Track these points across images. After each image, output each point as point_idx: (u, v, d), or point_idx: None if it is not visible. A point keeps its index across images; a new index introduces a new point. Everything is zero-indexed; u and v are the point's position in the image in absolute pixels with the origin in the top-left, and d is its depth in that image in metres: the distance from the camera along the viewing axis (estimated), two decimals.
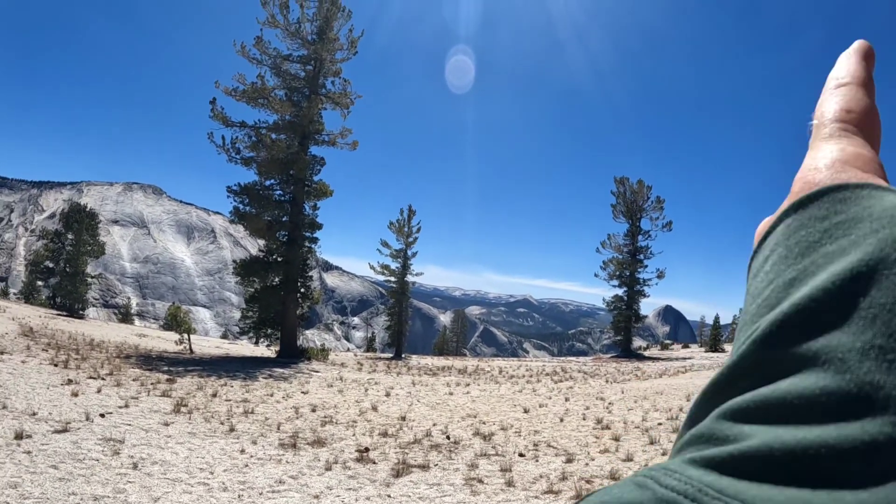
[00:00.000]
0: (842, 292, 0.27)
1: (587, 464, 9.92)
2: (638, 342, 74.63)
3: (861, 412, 0.23)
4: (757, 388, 0.29)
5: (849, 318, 0.25)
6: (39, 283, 55.58)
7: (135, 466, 8.16)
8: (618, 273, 53.99)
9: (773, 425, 0.26)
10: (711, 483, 0.26)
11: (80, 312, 44.30)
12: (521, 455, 10.52)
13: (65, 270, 44.50)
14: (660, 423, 13.35)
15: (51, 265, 46.62)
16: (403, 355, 46.93)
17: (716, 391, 0.33)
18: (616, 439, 11.73)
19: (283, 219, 29.25)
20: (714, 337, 54.23)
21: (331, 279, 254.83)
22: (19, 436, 8.67)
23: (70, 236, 45.35)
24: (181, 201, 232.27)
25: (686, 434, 0.32)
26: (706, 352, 50.61)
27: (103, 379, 15.08)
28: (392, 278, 50.01)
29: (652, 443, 11.28)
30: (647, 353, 55.11)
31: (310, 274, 31.24)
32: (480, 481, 8.77)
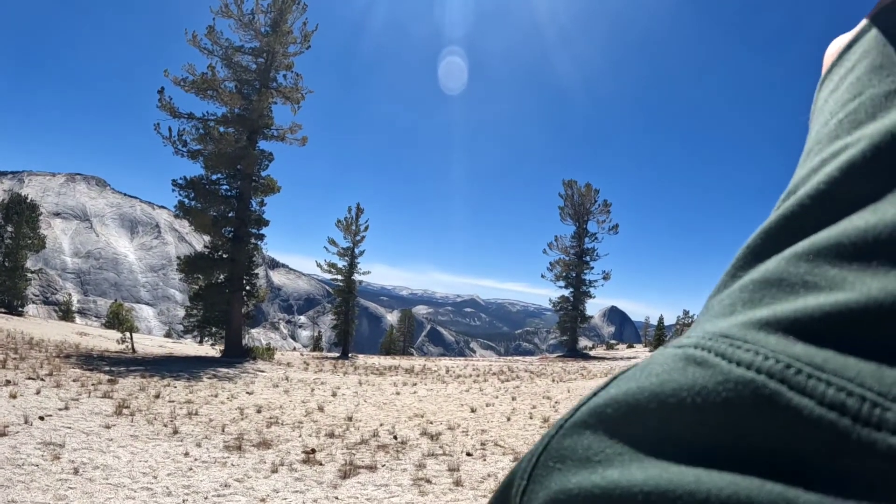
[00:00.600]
0: None
1: None
2: (584, 342, 75.77)
3: None
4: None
5: None
6: None
7: (76, 471, 7.90)
8: (564, 274, 54.79)
9: (885, 269, 0.19)
10: (808, 357, 0.19)
11: (19, 309, 42.63)
12: (468, 454, 10.57)
13: (3, 265, 42.75)
14: None
15: None
16: (350, 355, 46.64)
17: (786, 227, 0.25)
18: None
19: (230, 214, 28.73)
20: (658, 337, 55.66)
21: (277, 277, 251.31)
22: None
23: (9, 229, 43.60)
24: (125, 194, 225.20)
25: (739, 278, 0.24)
26: (651, 351, 51.06)
27: (43, 380, 14.58)
28: (339, 277, 49.65)
29: None
30: (593, 353, 56.07)
31: (256, 271, 30.75)
32: (428, 481, 8.78)
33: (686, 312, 68.59)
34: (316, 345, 79.32)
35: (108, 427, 10.67)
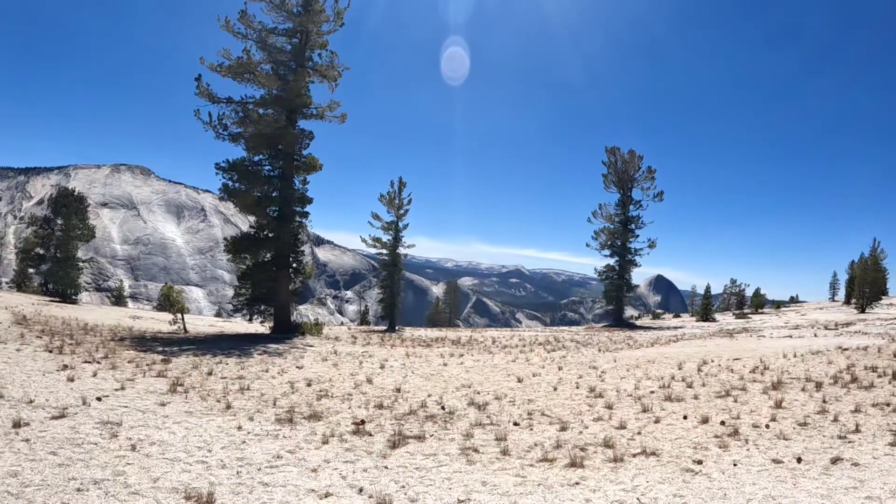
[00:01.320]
0: None
1: (581, 432, 10.02)
2: (630, 311, 75.05)
3: None
4: None
5: None
6: (31, 270, 55.12)
7: (133, 448, 8.17)
8: (609, 243, 54.20)
9: None
10: None
11: (73, 297, 44.07)
12: (515, 424, 10.61)
13: (55, 256, 44.11)
14: (652, 392, 13.47)
15: (41, 252, 46.20)
16: (397, 327, 47.11)
17: None
18: (609, 407, 11.84)
19: (273, 194, 29.05)
20: (705, 307, 54.65)
21: (323, 253, 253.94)
22: (17, 424, 8.64)
23: (59, 222, 44.87)
24: (170, 181, 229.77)
25: None
26: (697, 321, 51.03)
27: (98, 363, 15.03)
28: (384, 251, 49.96)
29: (644, 410, 11.38)
30: (638, 323, 55.62)
31: (301, 249, 31.10)
32: (476, 451, 8.85)
33: (733, 281, 67.21)
34: (363, 319, 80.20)
35: (163, 405, 11.00)
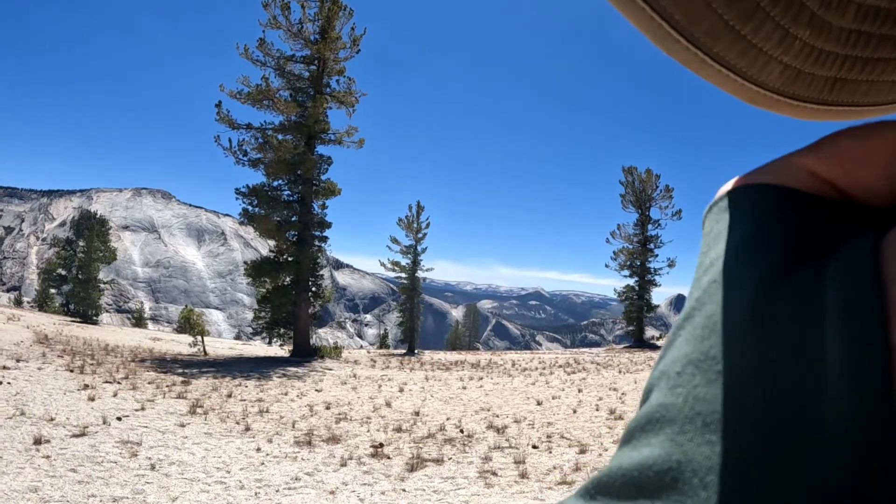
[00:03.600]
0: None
1: (600, 454, 9.98)
2: (651, 332, 74.36)
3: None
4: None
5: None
6: (52, 290, 56.23)
7: (152, 467, 8.29)
8: (628, 263, 53.89)
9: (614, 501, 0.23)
10: None
11: (94, 318, 44.69)
12: (534, 447, 10.58)
13: (77, 277, 44.89)
14: None
15: (63, 273, 47.13)
16: (416, 351, 47.06)
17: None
18: None
19: (293, 219, 29.39)
20: None
21: (342, 277, 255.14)
22: (38, 441, 8.81)
23: (81, 243, 45.78)
24: (190, 205, 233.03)
25: None
26: None
27: (119, 383, 15.25)
28: (403, 274, 50.15)
29: None
30: (659, 343, 54.93)
31: (321, 273, 31.36)
32: (494, 474, 8.84)
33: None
34: (382, 342, 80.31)
35: (182, 426, 11.13)
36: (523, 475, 8.69)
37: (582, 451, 10.14)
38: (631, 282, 54.17)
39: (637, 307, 53.14)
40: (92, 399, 12.60)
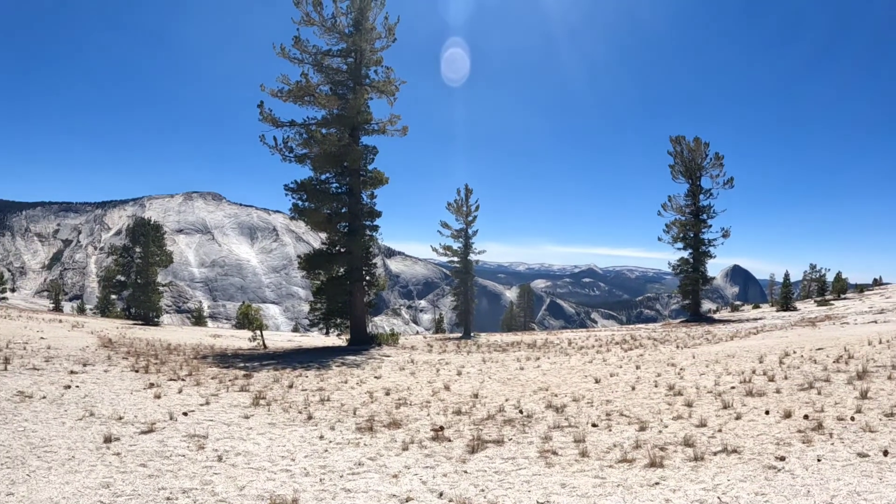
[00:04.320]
0: None
1: (660, 431, 9.94)
2: (707, 305, 73.03)
3: None
4: None
5: None
6: (113, 296, 58.28)
7: (219, 459, 8.59)
8: (681, 235, 52.91)
9: None
10: None
11: (155, 320, 46.25)
12: (593, 425, 10.59)
13: (136, 282, 46.45)
14: (733, 387, 13.18)
15: (122, 278, 48.78)
16: (472, 334, 47.37)
17: None
18: (689, 405, 11.65)
19: (342, 210, 29.78)
20: (785, 295, 52.44)
21: (395, 265, 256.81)
22: (108, 439, 9.17)
23: (138, 249, 47.28)
24: (241, 204, 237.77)
25: None
26: (777, 311, 49.08)
27: (183, 380, 15.74)
28: (455, 258, 50.46)
29: (725, 407, 11.15)
30: (716, 316, 53.96)
31: (374, 261, 31.75)
32: (555, 453, 8.91)
33: (813, 266, 64.04)
34: (438, 327, 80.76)
35: (246, 417, 11.49)
36: (583, 454, 8.73)
37: (642, 429, 10.11)
38: (685, 254, 53.26)
39: (692, 280, 52.25)
40: (158, 397, 13.04)
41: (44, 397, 12.00)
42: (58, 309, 70.31)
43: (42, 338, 22.83)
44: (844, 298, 51.27)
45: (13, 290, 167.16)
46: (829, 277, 61.46)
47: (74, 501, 6.65)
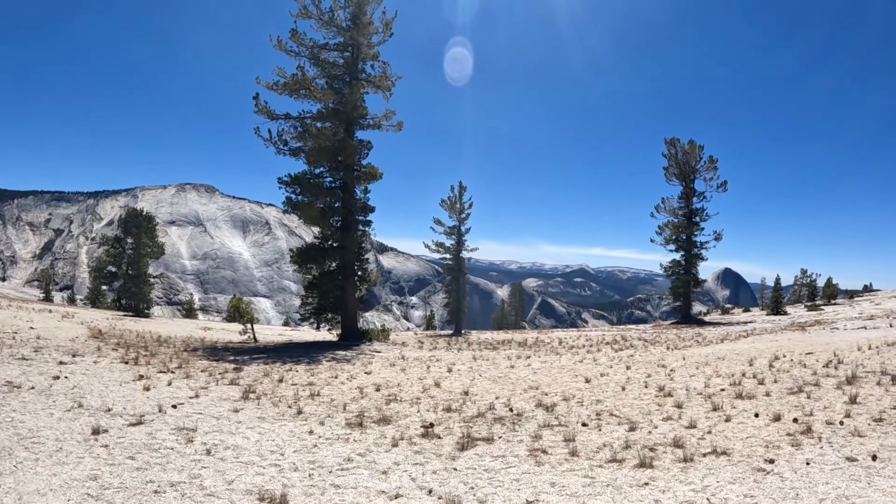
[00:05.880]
0: None
1: (650, 431, 9.96)
2: (698, 307, 73.32)
3: None
4: None
5: None
6: (104, 287, 57.88)
7: (208, 452, 8.58)
8: (674, 237, 52.98)
9: None
10: None
11: (146, 311, 45.95)
12: (583, 425, 10.61)
13: (127, 273, 46.13)
14: (722, 389, 13.22)
15: (113, 269, 48.42)
16: (463, 331, 47.35)
17: None
18: (679, 406, 11.69)
19: (336, 205, 29.69)
20: (775, 299, 52.68)
21: (387, 261, 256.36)
22: (96, 431, 9.14)
23: (129, 240, 46.94)
24: (234, 197, 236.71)
25: None
26: (768, 315, 49.31)
27: (173, 372, 15.68)
28: (447, 255, 50.36)
29: (715, 409, 11.19)
30: (707, 319, 54.20)
31: (366, 257, 31.66)
32: (544, 452, 8.92)
33: (804, 272, 64.40)
34: (429, 324, 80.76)
35: (236, 411, 11.46)
36: (573, 453, 8.75)
37: (632, 429, 10.13)
38: (677, 256, 53.35)
39: (684, 282, 52.35)
40: (147, 389, 12.98)
41: (32, 388, 11.93)
42: (48, 299, 69.82)
43: (32, 328, 22.67)
44: (835, 304, 51.58)
45: (3, 280, 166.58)
46: (820, 283, 61.89)
47: (62, 493, 6.62)
